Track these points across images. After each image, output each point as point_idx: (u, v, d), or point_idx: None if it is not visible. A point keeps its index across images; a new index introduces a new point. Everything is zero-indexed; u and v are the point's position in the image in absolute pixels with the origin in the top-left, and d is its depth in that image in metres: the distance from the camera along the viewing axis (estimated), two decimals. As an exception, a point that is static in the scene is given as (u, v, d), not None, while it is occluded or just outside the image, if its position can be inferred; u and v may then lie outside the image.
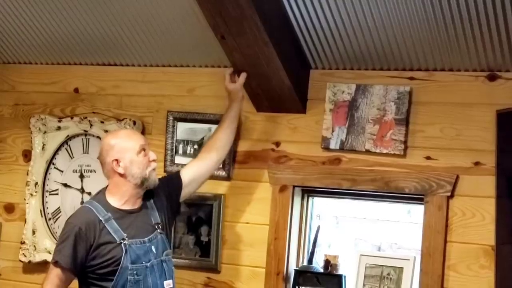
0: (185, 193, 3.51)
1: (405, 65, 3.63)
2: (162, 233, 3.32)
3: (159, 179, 3.47)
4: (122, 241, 3.19)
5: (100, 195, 3.35)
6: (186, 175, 3.51)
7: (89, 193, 4.09)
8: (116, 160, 3.28)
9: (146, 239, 3.25)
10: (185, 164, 3.86)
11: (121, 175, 3.28)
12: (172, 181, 3.49)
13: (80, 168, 4.24)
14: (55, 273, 3.20)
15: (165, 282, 3.27)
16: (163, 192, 3.43)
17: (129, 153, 3.28)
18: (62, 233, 3.28)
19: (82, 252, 3.17)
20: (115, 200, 3.30)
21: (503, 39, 3.29)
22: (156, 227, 3.31)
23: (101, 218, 3.21)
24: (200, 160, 3.57)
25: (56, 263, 3.20)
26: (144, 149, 3.31)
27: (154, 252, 3.25)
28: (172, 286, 3.30)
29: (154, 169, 3.33)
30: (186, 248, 3.98)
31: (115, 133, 3.47)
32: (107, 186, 3.36)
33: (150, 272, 3.22)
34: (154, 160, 3.33)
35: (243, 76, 3.60)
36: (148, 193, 3.38)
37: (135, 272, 3.18)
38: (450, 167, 3.52)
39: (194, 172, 3.53)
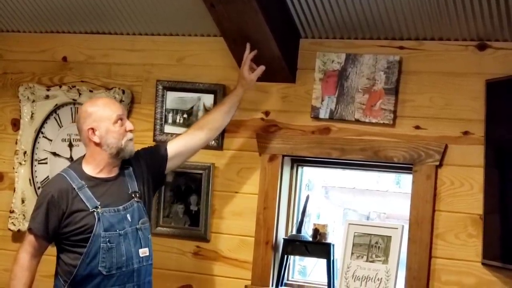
0: (169, 166, 3.48)
1: (395, 34, 3.62)
2: (139, 202, 3.30)
3: (144, 148, 3.48)
4: (95, 209, 3.18)
5: (77, 163, 3.35)
6: (172, 148, 3.48)
7: (78, 162, 4.08)
8: (92, 128, 3.25)
9: (120, 207, 3.24)
10: (174, 134, 3.87)
11: (97, 144, 3.25)
12: (158, 152, 3.47)
13: (69, 137, 4.23)
14: (29, 240, 3.24)
15: (141, 250, 3.26)
16: (145, 162, 3.41)
17: (105, 123, 3.25)
18: (37, 201, 3.30)
19: (55, 219, 3.19)
20: (90, 169, 3.28)
21: (493, 8, 3.28)
22: (133, 195, 3.30)
23: (74, 186, 3.21)
24: (189, 136, 3.53)
25: (30, 230, 3.25)
26: (121, 119, 3.27)
27: (129, 220, 3.25)
28: (148, 254, 3.29)
29: (130, 139, 3.30)
30: (175, 217, 3.99)
31: (93, 101, 3.42)
32: (85, 154, 3.34)
33: (124, 239, 3.21)
34: (131, 130, 3.30)
35: (261, 69, 3.59)
36: (128, 162, 3.36)
37: (107, 239, 3.17)
38: (439, 137, 3.53)
39: (180, 147, 3.50)
